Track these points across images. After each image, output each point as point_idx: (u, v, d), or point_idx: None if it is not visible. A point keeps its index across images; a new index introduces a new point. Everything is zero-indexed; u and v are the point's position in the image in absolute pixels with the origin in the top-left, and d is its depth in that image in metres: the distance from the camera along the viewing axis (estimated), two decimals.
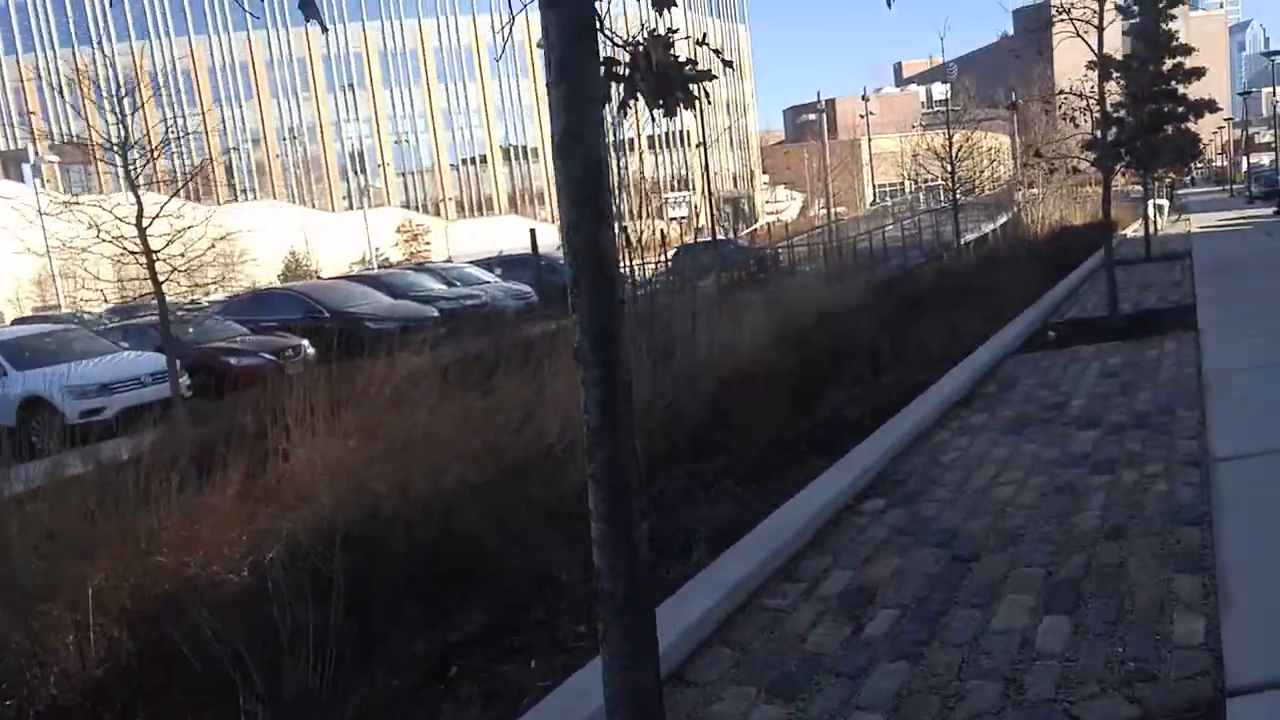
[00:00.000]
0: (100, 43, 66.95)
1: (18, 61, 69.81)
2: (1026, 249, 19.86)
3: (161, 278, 8.96)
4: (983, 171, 28.77)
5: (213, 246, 8.87)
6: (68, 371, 11.68)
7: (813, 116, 44.06)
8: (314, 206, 66.57)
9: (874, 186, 68.16)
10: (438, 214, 69.07)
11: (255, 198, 67.90)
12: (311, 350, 14.81)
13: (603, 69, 2.26)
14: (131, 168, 8.10)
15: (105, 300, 10.82)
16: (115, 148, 8.04)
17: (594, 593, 2.41)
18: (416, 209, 68.64)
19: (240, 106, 70.62)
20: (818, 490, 4.84)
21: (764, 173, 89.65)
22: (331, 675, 3.97)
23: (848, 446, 6.60)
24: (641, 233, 20.02)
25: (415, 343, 15.05)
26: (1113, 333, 9.69)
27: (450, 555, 6.59)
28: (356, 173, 70.71)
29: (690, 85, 2.36)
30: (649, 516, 5.42)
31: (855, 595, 3.74)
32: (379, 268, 44.85)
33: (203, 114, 70.35)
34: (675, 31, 2.39)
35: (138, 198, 7.98)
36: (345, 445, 8.50)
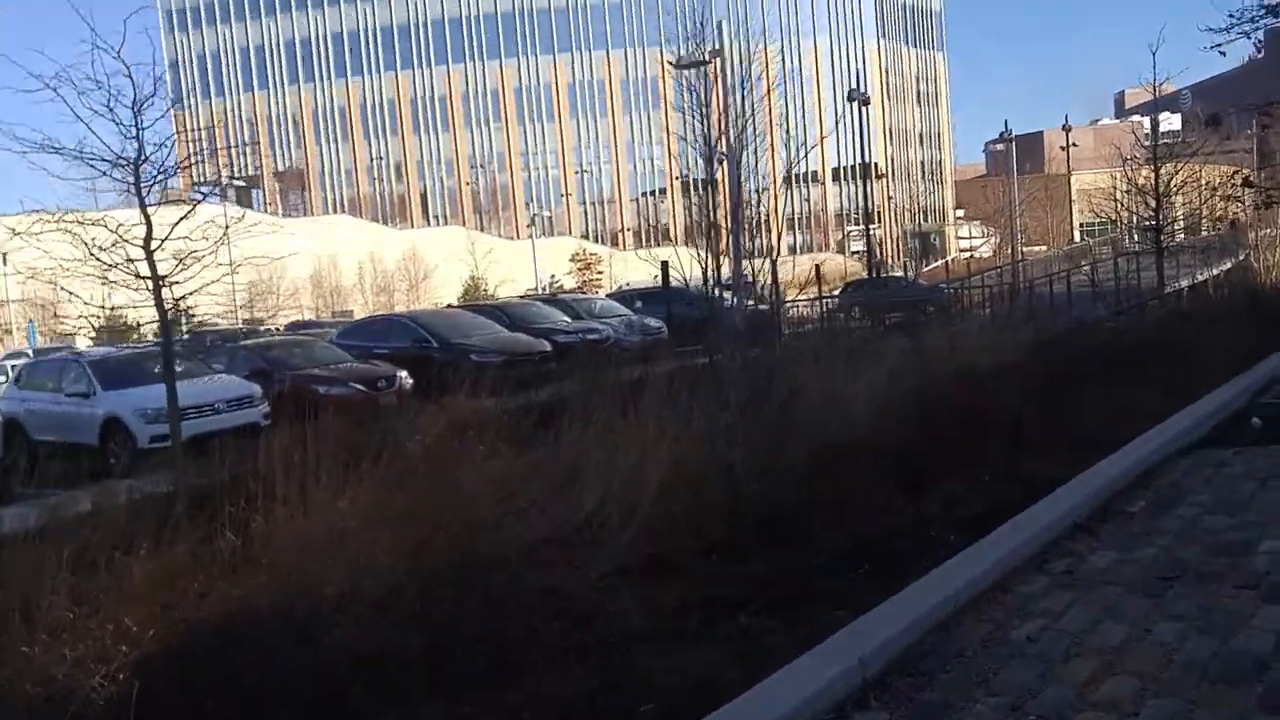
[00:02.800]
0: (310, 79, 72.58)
1: (254, 99, 76.91)
2: (1248, 301, 16.49)
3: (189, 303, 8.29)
4: (1199, 208, 24.91)
5: (235, 271, 8.02)
6: (145, 394, 11.46)
7: (1000, 147, 40.14)
8: (500, 234, 68.74)
9: (1076, 224, 62.39)
10: (615, 244, 69.53)
11: (446, 223, 71.05)
12: (409, 381, 14.15)
13: None
14: (145, 185, 7.35)
15: (91, 327, 10.21)
16: (123, 163, 7.33)
17: None
18: (595, 239, 69.43)
19: (438, 136, 74.39)
20: (789, 688, 3.10)
21: (958, 207, 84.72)
22: None
23: (927, 568, 4.79)
24: (760, 270, 18.29)
25: (516, 377, 14.20)
26: None
27: (392, 668, 5.33)
28: (541, 202, 72.60)
29: None
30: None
31: None
32: (551, 294, 45.25)
33: (403, 142, 74.82)
34: None
35: (146, 217, 7.25)
36: (349, 507, 7.46)
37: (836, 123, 62.21)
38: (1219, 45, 9.82)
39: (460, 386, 11.70)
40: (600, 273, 55.75)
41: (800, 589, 5.73)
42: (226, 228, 7.70)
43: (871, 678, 3.17)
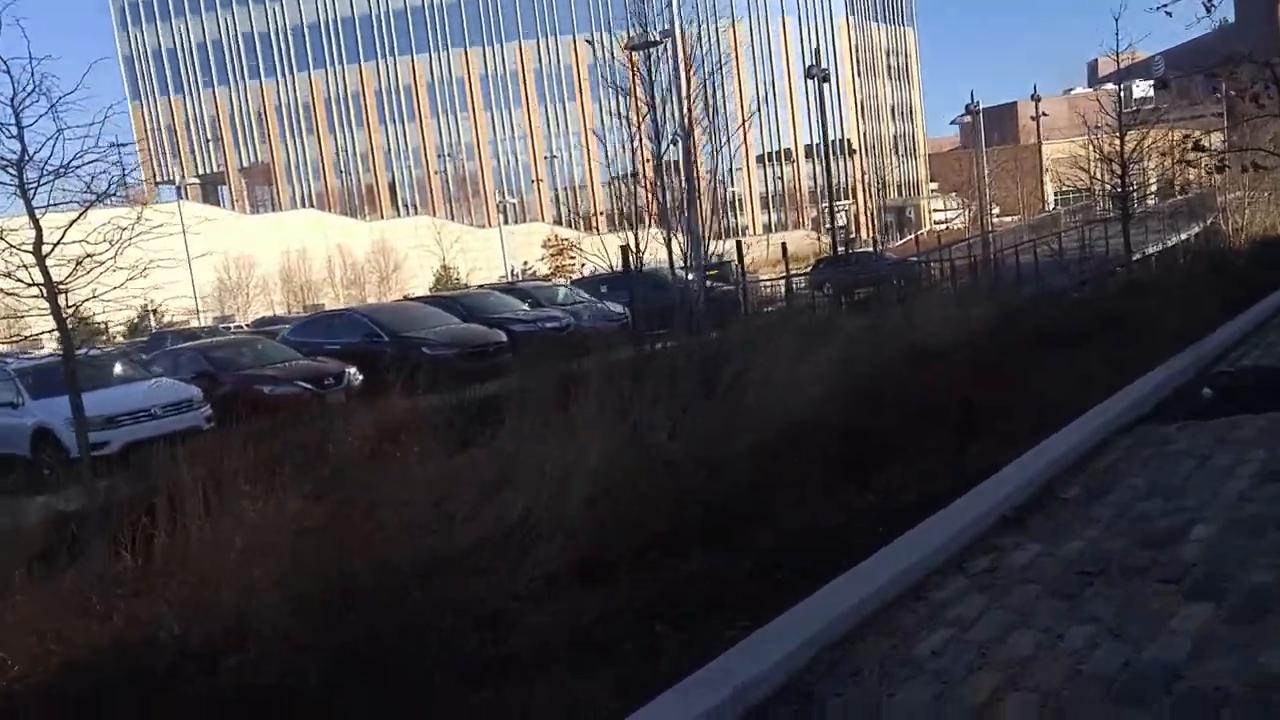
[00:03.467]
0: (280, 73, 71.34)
1: (214, 95, 75.63)
2: (1212, 266, 16.32)
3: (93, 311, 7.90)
4: (1167, 172, 24.75)
5: (133, 278, 7.57)
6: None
7: (969, 119, 39.75)
8: (472, 222, 68.04)
9: (1051, 193, 62.39)
10: (589, 229, 69.07)
11: (416, 213, 70.30)
12: (359, 378, 13.80)
13: None
14: (31, 187, 6.90)
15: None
16: (6, 166, 6.86)
17: None
18: (568, 224, 68.89)
19: (404, 126, 73.47)
20: None
21: (933, 180, 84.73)
22: None
23: (847, 564, 4.52)
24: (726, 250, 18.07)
25: (469, 370, 13.85)
26: None
27: (283, 701, 5.02)
28: (512, 188, 71.95)
29: None
30: None
31: None
32: (510, 283, 44.87)
33: (369, 134, 73.89)
34: None
35: (35, 221, 6.83)
36: (269, 519, 7.12)
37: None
38: (1165, 5, 9.56)
39: (412, 381, 11.41)
40: (573, 258, 55.22)
41: (724, 593, 5.44)
42: (134, 231, 7.25)
43: (749, 710, 2.87)
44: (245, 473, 7.62)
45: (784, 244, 23.80)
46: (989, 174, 54.18)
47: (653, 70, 13.69)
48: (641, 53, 13.64)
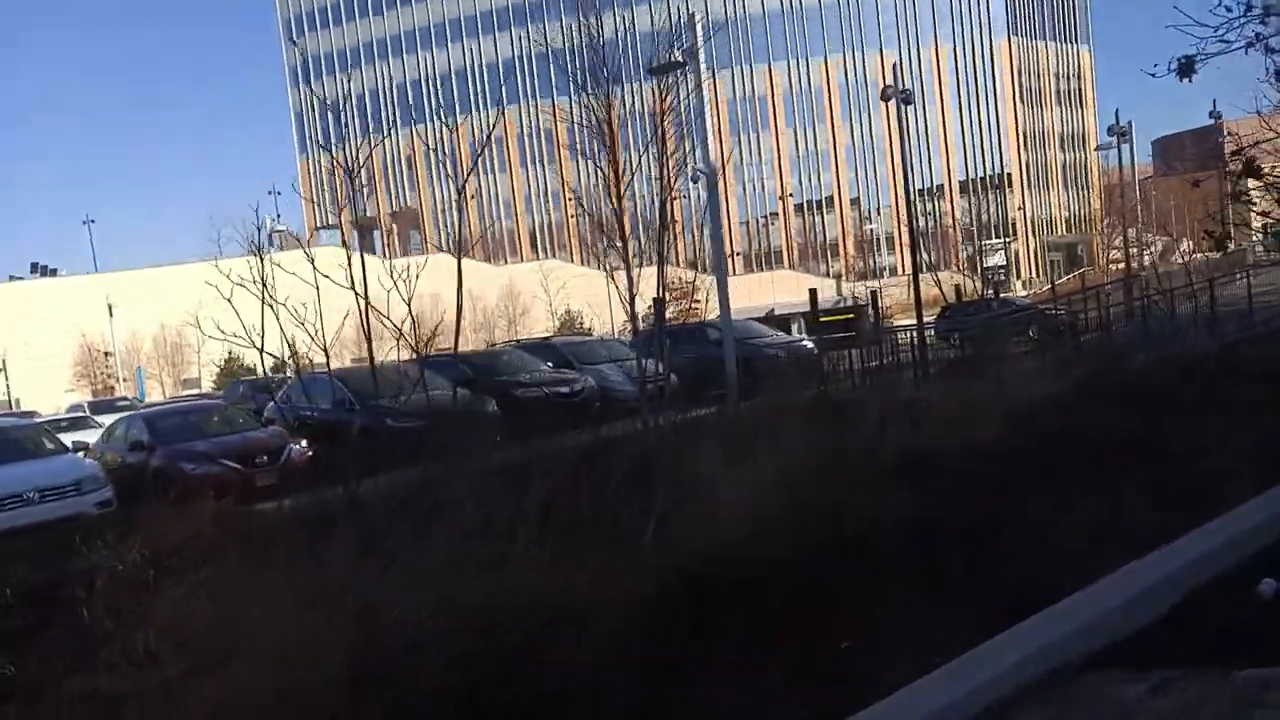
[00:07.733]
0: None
1: (369, 143, 79.16)
2: None
3: None
4: None
5: None
6: None
7: (1114, 133, 33.81)
8: (602, 266, 67.49)
9: (1255, 225, 54.63)
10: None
11: (554, 256, 70.49)
12: (307, 453, 12.28)
13: None
14: None
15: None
16: None
17: None
18: (701, 266, 67.01)
19: (544, 169, 74.20)
20: None
21: (1110, 213, 77.01)
22: None
23: None
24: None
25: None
26: None
27: None
28: (645, 229, 70.99)
29: None
30: None
31: None
32: (633, 330, 43.04)
33: (511, 177, 74.87)
34: None
35: None
36: None
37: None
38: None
39: (358, 460, 9.71)
40: (697, 301, 53.18)
41: None
42: None
43: None
44: None
45: (873, 291, 20.75)
46: (1170, 207, 47.98)
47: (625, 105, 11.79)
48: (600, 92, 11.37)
